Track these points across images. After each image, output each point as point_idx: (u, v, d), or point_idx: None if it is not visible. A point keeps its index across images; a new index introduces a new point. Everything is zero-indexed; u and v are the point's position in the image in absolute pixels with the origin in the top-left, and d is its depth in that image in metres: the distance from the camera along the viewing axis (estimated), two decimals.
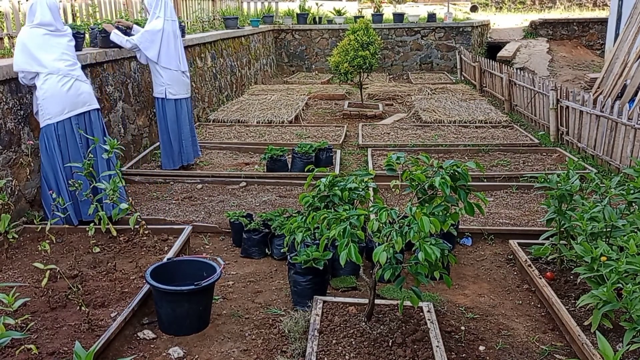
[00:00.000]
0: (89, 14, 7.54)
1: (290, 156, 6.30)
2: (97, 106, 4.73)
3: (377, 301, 3.20)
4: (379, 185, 3.45)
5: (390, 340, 2.91)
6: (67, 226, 4.38)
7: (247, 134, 7.91)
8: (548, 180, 3.66)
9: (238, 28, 12.02)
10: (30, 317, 3.16)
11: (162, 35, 5.81)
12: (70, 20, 7.04)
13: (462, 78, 13.01)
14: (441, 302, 3.56)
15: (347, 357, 2.82)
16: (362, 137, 7.64)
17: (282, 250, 4.08)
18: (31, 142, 4.85)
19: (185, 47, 8.70)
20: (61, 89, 4.43)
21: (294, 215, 4.10)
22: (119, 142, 4.34)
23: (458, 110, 9.12)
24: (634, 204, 3.50)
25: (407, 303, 3.00)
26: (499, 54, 13.35)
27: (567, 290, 3.54)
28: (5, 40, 6.00)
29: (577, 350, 2.98)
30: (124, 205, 3.93)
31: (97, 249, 4.09)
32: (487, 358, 3.02)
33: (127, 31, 6.18)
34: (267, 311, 3.48)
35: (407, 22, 14.58)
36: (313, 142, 6.38)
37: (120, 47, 6.04)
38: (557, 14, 19.77)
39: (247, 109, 9.32)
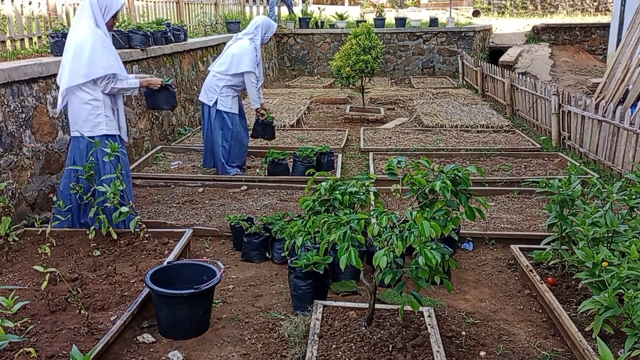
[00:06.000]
0: None
1: (291, 160, 6.30)
2: None
3: (377, 306, 3.19)
4: (379, 190, 3.44)
5: (391, 345, 2.90)
6: (67, 229, 4.38)
7: None
8: (550, 185, 3.65)
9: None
10: (29, 320, 3.15)
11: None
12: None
13: (464, 83, 13.01)
14: (442, 307, 3.55)
15: None
16: (364, 141, 7.64)
17: (282, 254, 4.07)
18: (33, 144, 4.86)
19: (188, 51, 8.76)
20: None
21: (294, 219, 4.09)
22: (120, 145, 4.33)
23: (460, 115, 9.12)
24: (635, 209, 3.49)
25: (408, 308, 2.98)
26: (501, 59, 13.33)
27: (569, 296, 3.52)
28: (8, 43, 6.02)
29: (579, 356, 2.96)
30: (124, 209, 3.93)
31: (98, 252, 4.08)
32: None
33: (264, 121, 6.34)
34: (267, 315, 3.46)
35: (409, 26, 14.59)
36: (314, 146, 6.37)
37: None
38: (559, 19, 19.79)
39: (249, 113, 9.31)
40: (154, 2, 9.43)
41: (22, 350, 2.72)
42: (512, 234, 4.54)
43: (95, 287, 3.59)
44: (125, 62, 6.55)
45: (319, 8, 17.23)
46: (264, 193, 5.69)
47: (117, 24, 4.44)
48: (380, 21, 14.77)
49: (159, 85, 4.82)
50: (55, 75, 5.24)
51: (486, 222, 4.85)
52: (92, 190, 4.20)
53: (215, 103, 5.97)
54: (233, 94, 6.04)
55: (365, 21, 13.43)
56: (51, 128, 5.18)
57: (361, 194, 3.02)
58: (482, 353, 3.08)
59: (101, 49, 4.14)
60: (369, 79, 10.09)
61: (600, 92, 9.22)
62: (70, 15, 7.15)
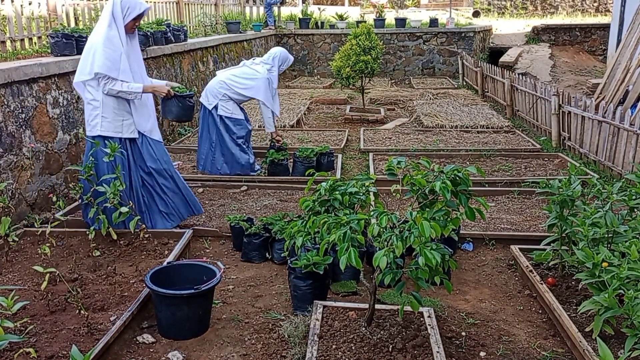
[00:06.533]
0: (91, 17, 7.57)
1: (291, 160, 6.30)
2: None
3: (377, 306, 3.19)
4: (379, 190, 3.44)
5: (391, 346, 2.90)
6: (67, 229, 4.37)
7: None
8: (550, 185, 3.65)
9: (240, 32, 12.05)
10: (29, 321, 3.15)
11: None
12: (72, 24, 7.06)
13: (464, 83, 13.01)
14: (442, 307, 3.55)
15: None
16: (364, 142, 7.64)
17: (282, 255, 4.07)
18: (33, 145, 4.86)
19: (188, 51, 8.76)
20: None
21: (294, 219, 4.09)
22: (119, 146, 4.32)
23: (460, 115, 9.12)
24: (635, 210, 3.49)
25: (408, 308, 2.98)
26: (501, 59, 13.34)
27: (569, 296, 3.52)
28: (8, 43, 6.02)
29: (579, 357, 2.96)
30: (124, 209, 3.93)
31: (97, 253, 4.08)
32: None
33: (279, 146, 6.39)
34: (267, 316, 3.46)
35: (409, 27, 14.60)
36: (314, 147, 6.38)
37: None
38: (559, 19, 19.79)
39: (249, 113, 9.31)
40: (154, 2, 9.43)
41: (21, 350, 2.72)
42: (512, 235, 4.54)
43: (95, 288, 3.59)
44: None
45: (319, 8, 17.25)
46: (264, 193, 5.69)
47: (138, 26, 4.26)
48: (380, 22, 14.77)
49: (164, 94, 4.50)
50: (55, 76, 5.26)
51: (486, 222, 4.85)
52: (92, 190, 4.19)
53: (216, 108, 6.00)
54: (234, 99, 6.09)
55: (365, 22, 13.43)
56: (51, 128, 5.18)
57: (361, 194, 3.02)
58: (482, 353, 3.08)
59: (102, 49, 4.12)
60: (369, 80, 10.09)
61: (600, 93, 9.22)
62: (70, 15, 7.15)
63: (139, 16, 4.25)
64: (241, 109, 6.20)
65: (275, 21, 14.78)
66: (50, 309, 3.31)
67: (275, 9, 14.96)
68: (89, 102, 4.24)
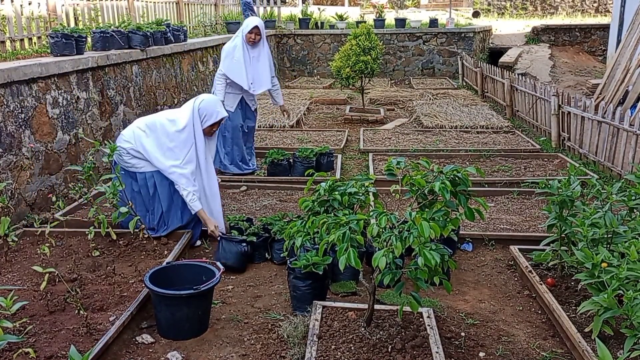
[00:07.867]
0: (91, 17, 7.57)
1: (291, 160, 6.30)
2: None
3: (376, 306, 3.19)
4: (379, 190, 3.44)
5: (390, 346, 2.90)
6: (66, 229, 4.37)
7: None
8: (549, 186, 3.65)
9: None
10: (28, 321, 3.15)
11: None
12: (72, 24, 7.06)
13: (464, 83, 13.01)
14: (441, 307, 3.55)
15: None
16: (363, 142, 7.63)
17: (282, 255, 4.06)
18: (32, 145, 4.86)
19: (187, 52, 8.76)
20: None
21: (294, 219, 4.08)
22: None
23: (459, 116, 9.12)
24: (635, 210, 3.49)
25: (407, 308, 2.98)
26: (500, 60, 13.34)
27: (568, 297, 3.52)
28: (8, 43, 6.02)
29: (578, 357, 2.96)
30: (123, 209, 3.93)
31: (97, 253, 4.08)
32: None
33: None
34: (266, 316, 3.46)
35: (409, 27, 14.59)
36: (314, 147, 6.37)
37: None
38: (559, 19, 19.80)
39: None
40: (154, 2, 9.43)
41: (20, 350, 2.72)
42: (511, 235, 4.53)
43: (95, 288, 3.59)
44: (124, 62, 6.57)
45: (319, 9, 17.25)
46: (263, 194, 5.69)
47: (214, 130, 4.45)
48: (380, 22, 14.77)
49: (209, 230, 4.33)
50: (54, 76, 5.25)
51: (486, 223, 4.85)
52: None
53: None
54: (228, 90, 6.03)
55: (365, 22, 13.42)
56: (50, 128, 5.17)
57: (360, 194, 3.02)
58: (482, 354, 3.08)
59: (176, 144, 4.28)
60: (369, 80, 10.09)
61: (600, 93, 9.22)
62: (70, 15, 7.15)
63: (216, 123, 4.40)
64: (243, 107, 6.15)
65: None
66: (49, 309, 3.30)
67: (276, 9, 14.87)
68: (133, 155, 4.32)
